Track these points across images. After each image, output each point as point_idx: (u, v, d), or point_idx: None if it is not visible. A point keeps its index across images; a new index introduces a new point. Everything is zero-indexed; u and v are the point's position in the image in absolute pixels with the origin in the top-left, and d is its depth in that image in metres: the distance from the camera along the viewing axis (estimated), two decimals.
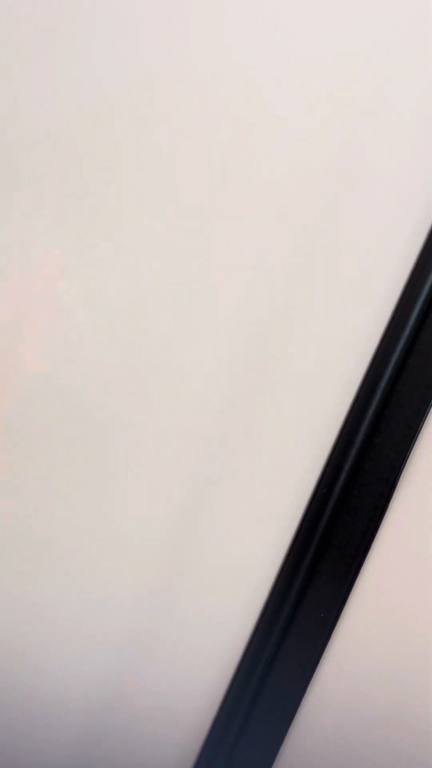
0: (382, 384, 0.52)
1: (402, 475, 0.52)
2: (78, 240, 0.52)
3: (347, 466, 0.52)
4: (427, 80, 0.54)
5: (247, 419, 0.53)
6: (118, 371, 0.53)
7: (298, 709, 0.51)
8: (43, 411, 0.52)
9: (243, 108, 0.53)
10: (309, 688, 0.51)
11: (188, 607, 0.53)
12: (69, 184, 0.52)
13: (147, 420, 0.53)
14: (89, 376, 0.52)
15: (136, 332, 0.53)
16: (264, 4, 0.52)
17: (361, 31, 0.53)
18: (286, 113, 0.53)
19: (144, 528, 0.53)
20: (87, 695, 0.53)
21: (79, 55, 0.52)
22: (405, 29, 0.53)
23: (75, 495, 0.53)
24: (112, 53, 0.52)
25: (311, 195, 0.54)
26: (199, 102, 0.53)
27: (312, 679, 0.51)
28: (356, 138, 0.54)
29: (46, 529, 0.52)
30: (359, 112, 0.54)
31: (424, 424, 0.52)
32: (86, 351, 0.53)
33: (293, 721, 0.51)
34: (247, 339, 0.53)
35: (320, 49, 0.53)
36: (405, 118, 0.54)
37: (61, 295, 0.52)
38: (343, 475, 0.52)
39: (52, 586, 0.53)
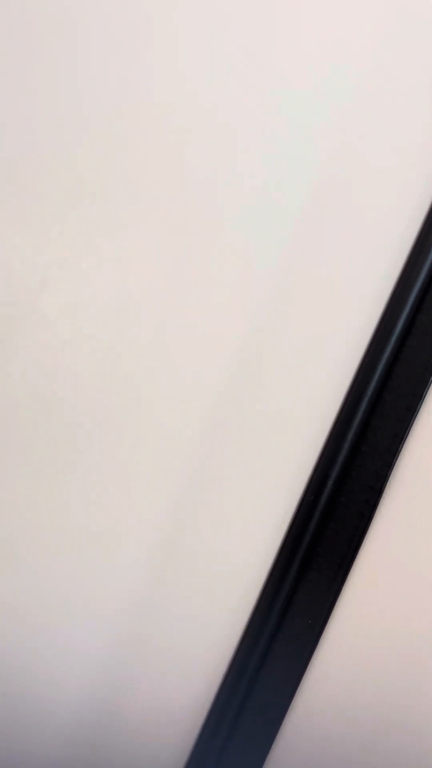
0: (369, 392, 0.52)
1: (388, 483, 0.52)
2: (61, 252, 0.52)
3: (334, 473, 0.52)
4: (426, 54, 0.53)
5: (234, 426, 0.53)
6: (103, 382, 0.53)
7: (286, 716, 0.52)
8: (29, 422, 0.52)
9: (232, 101, 0.53)
10: (296, 694, 0.52)
11: (176, 614, 0.53)
12: (51, 197, 0.52)
13: (133, 430, 0.53)
14: (74, 386, 0.52)
15: (120, 343, 0.53)
16: None
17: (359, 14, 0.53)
18: (280, 105, 0.53)
19: (133, 535, 0.53)
20: (75, 699, 0.53)
21: (68, 75, 0.52)
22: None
23: (63, 503, 0.53)
24: (100, 71, 0.52)
25: (303, 195, 0.53)
26: (184, 109, 0.53)
27: (299, 686, 0.52)
28: (354, 134, 0.54)
29: (35, 535, 0.53)
30: (351, 114, 0.53)
31: (410, 433, 0.52)
32: (70, 362, 0.53)
33: (281, 727, 0.52)
34: (232, 348, 0.53)
35: (319, 32, 0.53)
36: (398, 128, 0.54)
37: (44, 307, 0.52)
38: (330, 483, 0.52)
39: (40, 589, 0.53)
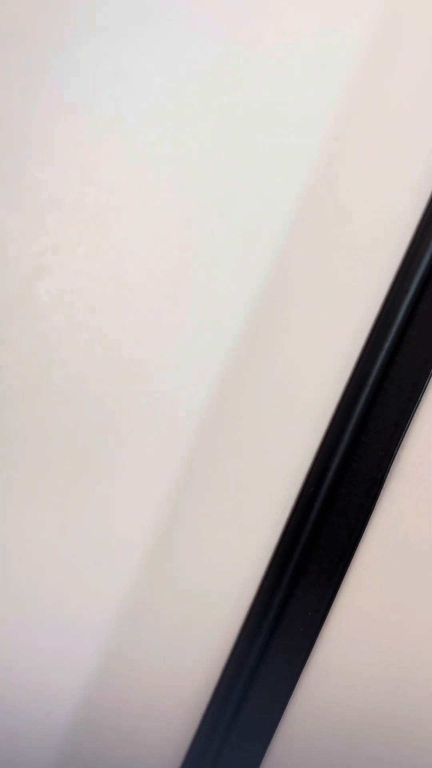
0: (369, 382, 0.52)
1: (389, 474, 0.52)
2: (56, 237, 0.51)
3: (334, 465, 0.52)
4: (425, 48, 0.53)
5: (233, 418, 0.52)
6: (101, 372, 0.52)
7: (285, 710, 0.51)
8: (24, 413, 0.51)
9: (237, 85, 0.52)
10: (296, 689, 0.51)
11: (174, 608, 0.52)
12: (46, 181, 0.51)
13: (129, 420, 0.52)
14: (71, 377, 0.51)
15: (118, 332, 0.52)
16: None
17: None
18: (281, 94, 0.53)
19: (130, 527, 0.52)
20: (72, 694, 0.52)
21: (67, 72, 0.51)
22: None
23: (56, 499, 0.51)
24: (99, 57, 0.51)
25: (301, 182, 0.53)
26: (183, 95, 0.52)
27: (299, 680, 0.51)
28: (355, 118, 0.53)
29: (29, 533, 0.51)
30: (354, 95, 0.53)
31: (411, 423, 0.52)
32: (67, 351, 0.51)
33: (280, 722, 0.51)
34: (231, 338, 0.53)
35: (316, 24, 0.52)
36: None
37: (40, 295, 0.51)
38: (330, 474, 0.52)
39: (35, 592, 0.52)
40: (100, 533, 0.52)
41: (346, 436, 0.52)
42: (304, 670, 0.52)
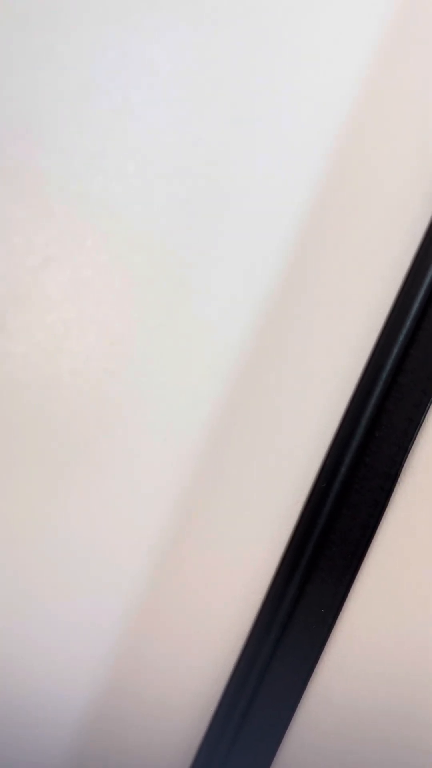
0: (383, 376, 0.51)
1: (403, 468, 0.51)
2: (64, 227, 0.50)
3: (347, 459, 0.51)
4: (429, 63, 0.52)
5: (245, 412, 0.52)
6: (108, 364, 0.50)
7: (297, 708, 0.51)
8: (30, 406, 0.50)
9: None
10: (308, 686, 0.51)
11: (184, 605, 0.51)
12: (53, 169, 0.49)
13: (138, 413, 0.51)
14: (78, 370, 0.50)
15: (126, 325, 0.51)
16: None
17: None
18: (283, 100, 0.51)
19: (141, 521, 0.51)
20: (80, 693, 0.52)
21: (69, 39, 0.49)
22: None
23: (61, 494, 0.51)
24: (116, 49, 0.50)
25: (309, 184, 0.52)
26: (190, 96, 0.51)
27: (311, 678, 0.51)
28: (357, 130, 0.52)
29: (35, 524, 0.51)
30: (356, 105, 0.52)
31: (426, 417, 0.51)
32: (74, 344, 0.50)
33: (292, 719, 0.51)
34: (243, 328, 0.52)
35: (318, 42, 0.51)
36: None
37: (47, 286, 0.50)
38: (343, 469, 0.51)
39: (42, 589, 0.51)
40: (112, 513, 0.51)
41: (360, 431, 0.51)
42: (316, 667, 0.51)
